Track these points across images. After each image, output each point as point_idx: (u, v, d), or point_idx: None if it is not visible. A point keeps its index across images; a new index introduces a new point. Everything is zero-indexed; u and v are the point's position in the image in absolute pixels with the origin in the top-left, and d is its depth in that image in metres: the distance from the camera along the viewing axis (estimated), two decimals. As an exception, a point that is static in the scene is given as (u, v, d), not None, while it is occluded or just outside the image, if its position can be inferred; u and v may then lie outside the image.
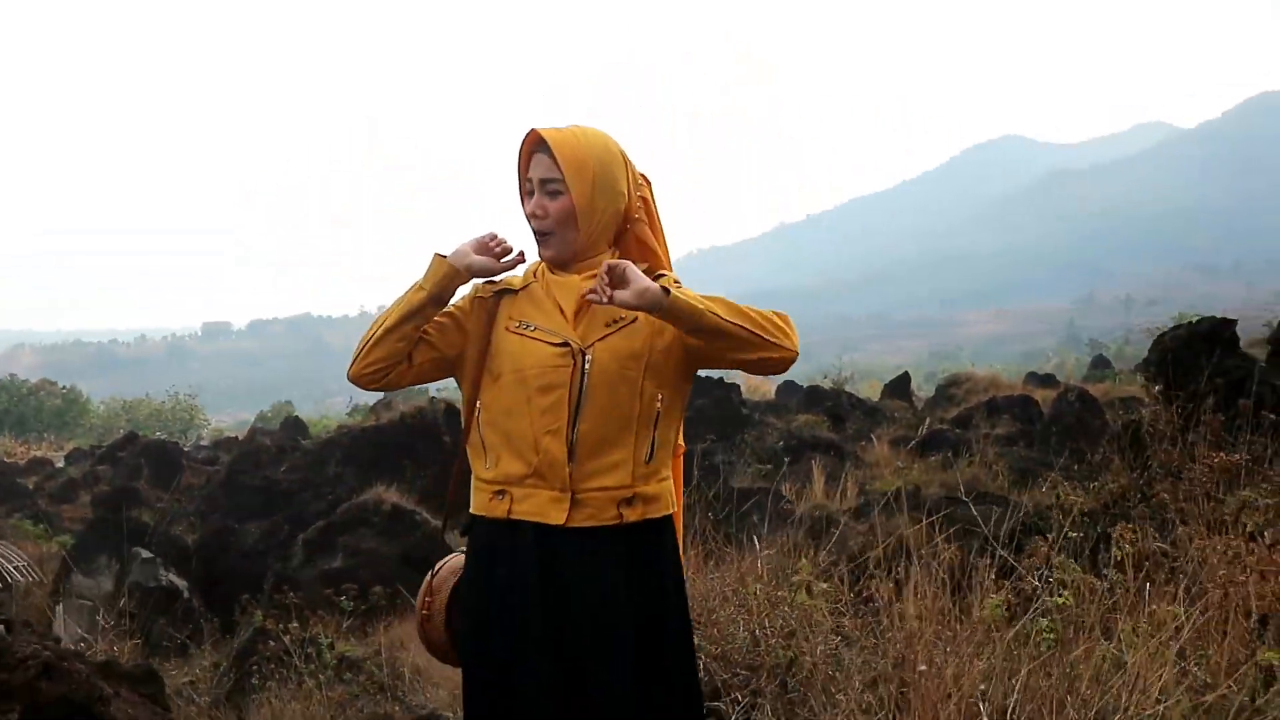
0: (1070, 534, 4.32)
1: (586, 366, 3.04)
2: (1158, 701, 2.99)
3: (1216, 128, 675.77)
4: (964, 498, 7.32)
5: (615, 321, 3.11)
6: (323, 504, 14.13)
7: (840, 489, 14.14)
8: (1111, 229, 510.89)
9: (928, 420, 21.86)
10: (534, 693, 2.97)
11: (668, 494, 3.16)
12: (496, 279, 3.24)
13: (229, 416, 78.73)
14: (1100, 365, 39.45)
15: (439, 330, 3.22)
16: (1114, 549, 4.11)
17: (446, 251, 3.17)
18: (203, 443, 31.28)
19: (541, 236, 3.17)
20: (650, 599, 3.05)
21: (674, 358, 3.11)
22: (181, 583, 11.40)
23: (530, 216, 3.16)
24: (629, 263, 2.94)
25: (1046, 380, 30.19)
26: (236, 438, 27.14)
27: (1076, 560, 4.14)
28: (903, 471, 16.39)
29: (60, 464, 24.09)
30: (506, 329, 3.18)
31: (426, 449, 16.03)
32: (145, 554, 11.41)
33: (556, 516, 3.02)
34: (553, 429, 3.03)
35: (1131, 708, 2.95)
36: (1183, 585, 3.68)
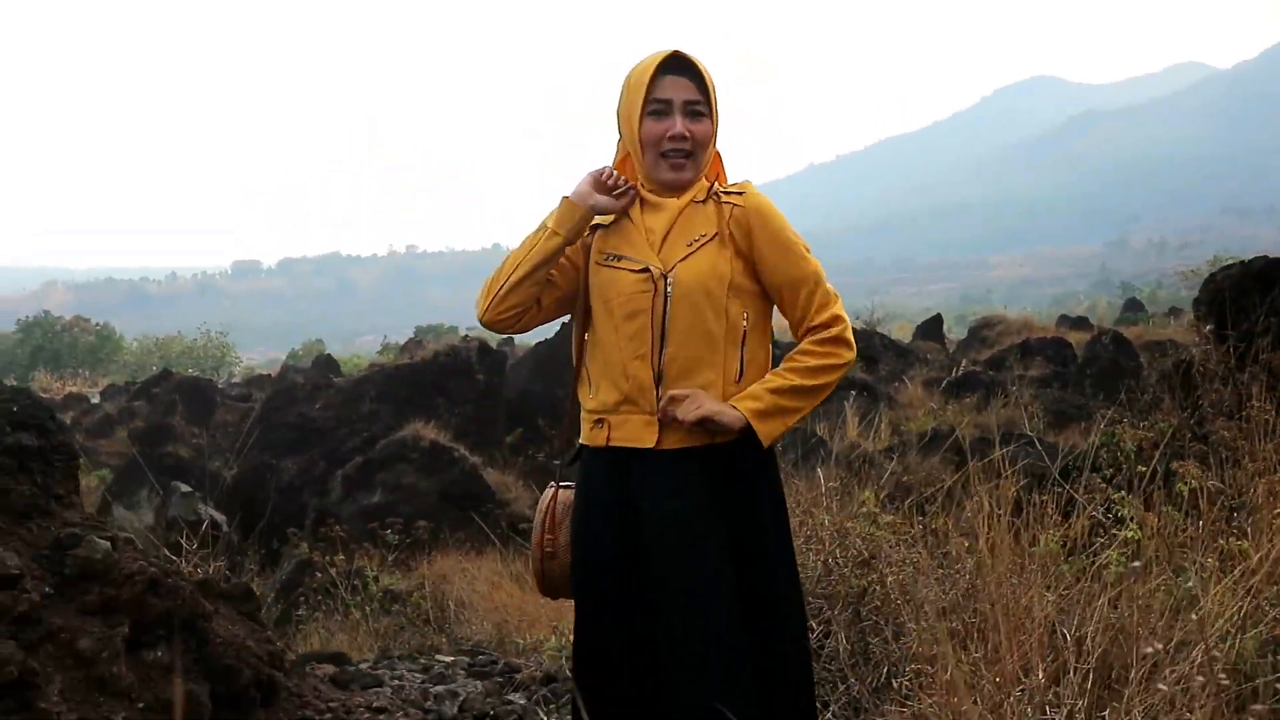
0: (1129, 470, 4.29)
1: (669, 290, 3.04)
2: (1233, 635, 2.98)
3: (1252, 68, 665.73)
4: (1020, 433, 7.24)
5: (696, 240, 3.11)
6: (358, 441, 14.19)
7: (874, 429, 14.12)
8: (1144, 172, 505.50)
9: (962, 362, 21.78)
10: (619, 625, 3.02)
11: None
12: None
13: (259, 355, 79.14)
14: (1133, 309, 39.21)
15: (560, 271, 3.24)
16: (1179, 484, 4.06)
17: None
18: (235, 380, 31.44)
19: (680, 161, 3.13)
20: (746, 523, 3.03)
21: (753, 276, 3.12)
22: (221, 516, 11.50)
23: (671, 138, 3.11)
24: (697, 393, 3.00)
25: (1079, 323, 30.00)
26: (269, 375, 27.27)
27: (1132, 497, 4.10)
28: (937, 412, 16.34)
29: (96, 400, 24.27)
30: (596, 263, 3.19)
31: (460, 387, 16.07)
32: (184, 488, 11.49)
33: (648, 440, 3.03)
34: (639, 354, 3.05)
35: (1207, 640, 2.93)
36: (1249, 522, 3.66)
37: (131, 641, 3.81)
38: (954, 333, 35.19)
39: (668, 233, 3.13)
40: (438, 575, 8.59)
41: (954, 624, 3.55)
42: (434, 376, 16.14)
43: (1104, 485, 4.23)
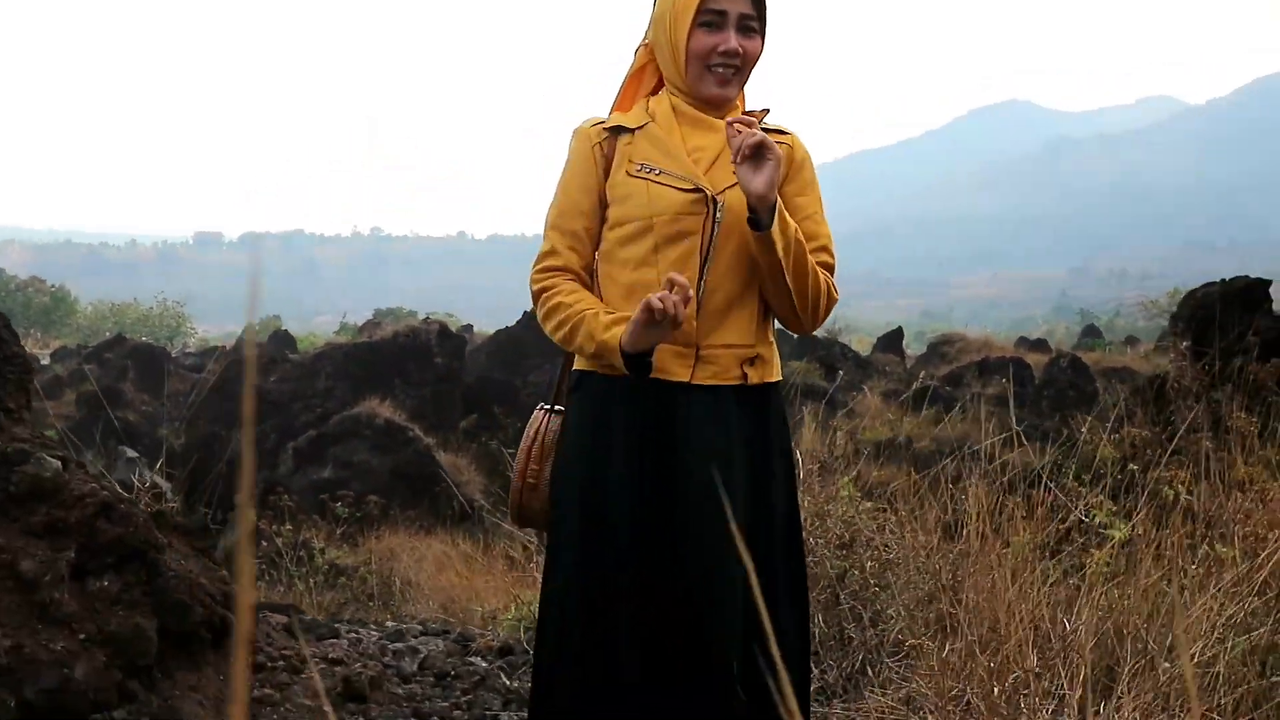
0: (1108, 478, 4.27)
1: (719, 215, 2.83)
2: (1217, 640, 2.95)
3: (1224, 105, 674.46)
4: (975, 448, 7.22)
5: None
6: (312, 416, 14.08)
7: (830, 435, 14.13)
8: (1111, 200, 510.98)
9: (920, 375, 21.87)
10: (633, 554, 2.77)
11: (776, 359, 2.96)
12: (606, 119, 3.00)
13: (215, 328, 78.54)
14: (1091, 335, 39.69)
15: (591, 216, 2.94)
16: (1166, 489, 4.02)
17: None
18: (189, 350, 31.15)
19: (726, 76, 2.91)
20: (760, 473, 2.86)
21: None
22: (166, 484, 11.33)
23: (724, 53, 2.87)
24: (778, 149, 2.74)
25: (1038, 345, 30.33)
26: (224, 347, 27.02)
27: (1109, 502, 4.09)
28: (894, 423, 16.39)
29: (46, 361, 23.96)
30: (629, 173, 2.90)
31: (418, 369, 15.96)
32: (130, 453, 11.31)
33: (681, 373, 2.81)
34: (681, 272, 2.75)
35: (1192, 644, 2.91)
36: (1236, 531, 3.65)
37: (77, 568, 3.61)
38: (913, 348, 35.37)
39: (718, 155, 2.89)
40: (385, 552, 8.51)
41: (933, 613, 3.50)
42: (392, 357, 16.03)
43: (1082, 489, 4.19)
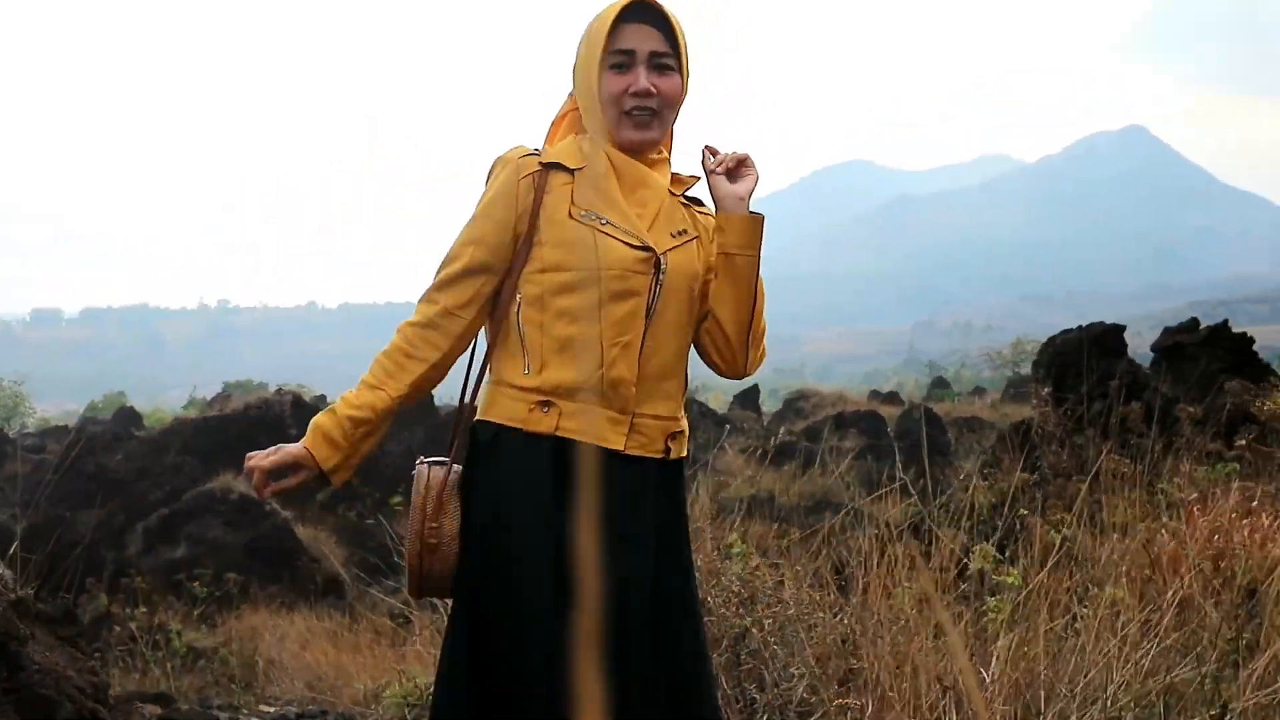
0: (984, 524, 4.33)
1: (662, 278, 2.70)
2: (1123, 685, 2.98)
3: (1056, 163, 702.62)
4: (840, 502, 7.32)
5: (681, 233, 2.78)
6: (162, 493, 13.62)
7: (694, 494, 14.17)
8: (952, 256, 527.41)
9: (780, 431, 22.10)
10: (556, 631, 2.55)
11: (686, 435, 2.83)
12: (540, 151, 2.81)
13: (54, 406, 75.83)
14: (940, 385, 40.66)
15: (495, 253, 2.73)
16: (1053, 535, 4.07)
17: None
18: (28, 430, 29.99)
19: (644, 119, 2.73)
20: (669, 556, 2.72)
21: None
22: (8, 571, 10.83)
23: (635, 94, 2.71)
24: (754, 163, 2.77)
25: (890, 398, 30.94)
26: (66, 427, 26.05)
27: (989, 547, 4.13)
28: (755, 479, 16.51)
29: (-126, 446, 22.83)
30: (571, 215, 2.72)
31: (271, 441, 15.42)
32: (-29, 539, 10.82)
33: (615, 440, 2.64)
34: (623, 341, 2.65)
35: (1098, 689, 2.93)
36: (1122, 572, 3.72)
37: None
38: (768, 405, 35.80)
39: (657, 214, 2.77)
40: (246, 631, 8.23)
41: (834, 670, 3.47)
42: (244, 429, 15.61)
43: (963, 536, 4.22)
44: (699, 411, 24.63)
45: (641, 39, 2.72)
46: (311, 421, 2.74)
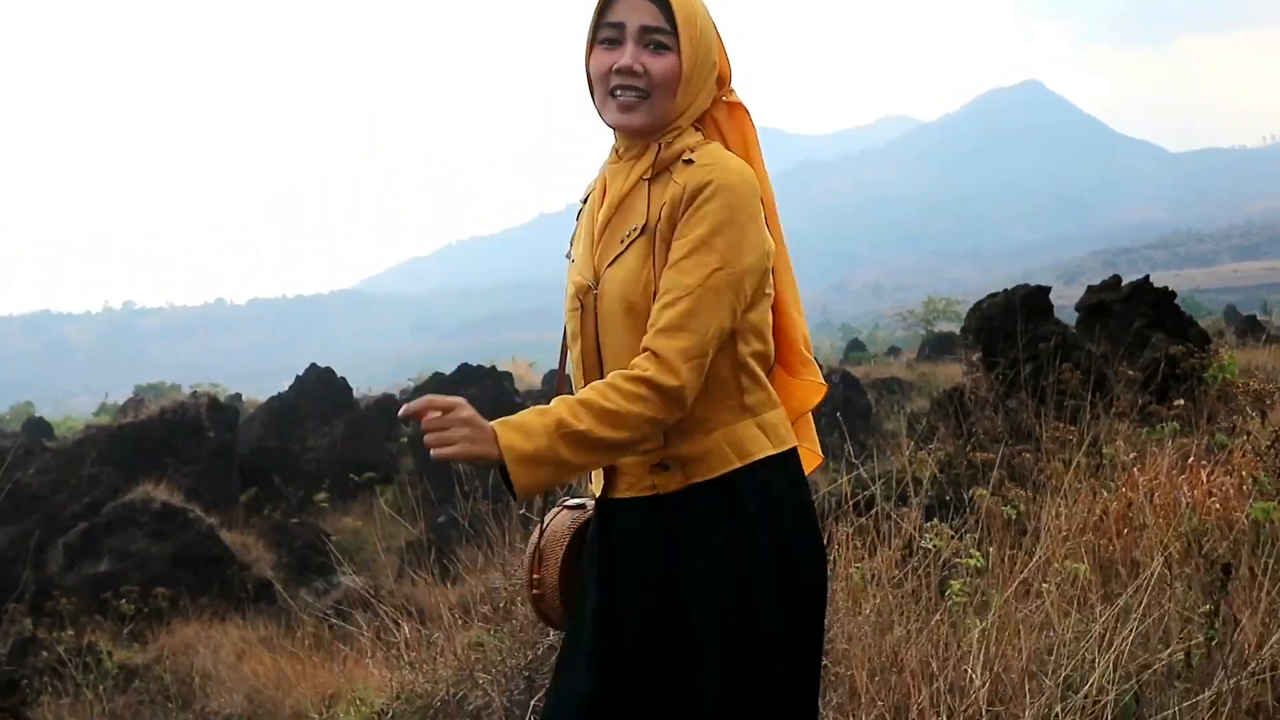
0: (931, 497, 4.31)
1: (598, 308, 2.41)
2: (1103, 673, 2.95)
3: (955, 120, 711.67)
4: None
5: (628, 234, 2.40)
6: (80, 506, 13.31)
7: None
8: (859, 218, 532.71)
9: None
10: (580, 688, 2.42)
11: (724, 447, 2.36)
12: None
13: (-43, 421, 73.78)
14: (856, 349, 41.02)
15: None
16: (1007, 508, 4.03)
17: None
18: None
19: (629, 100, 2.39)
20: (666, 605, 2.39)
21: None
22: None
23: (619, 72, 2.39)
24: (457, 401, 2.16)
25: (809, 363, 31.14)
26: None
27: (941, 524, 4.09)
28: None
29: None
30: (568, 255, 2.57)
31: (190, 445, 15.33)
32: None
33: (595, 487, 2.47)
34: (583, 386, 2.37)
35: (1079, 677, 2.90)
36: (1083, 547, 3.69)
37: None
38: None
39: (609, 222, 2.45)
40: (179, 646, 8.05)
41: None
42: (161, 435, 15.33)
43: (910, 512, 4.15)
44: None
45: (631, 11, 2.39)
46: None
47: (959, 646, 3.16)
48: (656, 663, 2.39)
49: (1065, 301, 11.62)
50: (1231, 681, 2.93)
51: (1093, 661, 2.97)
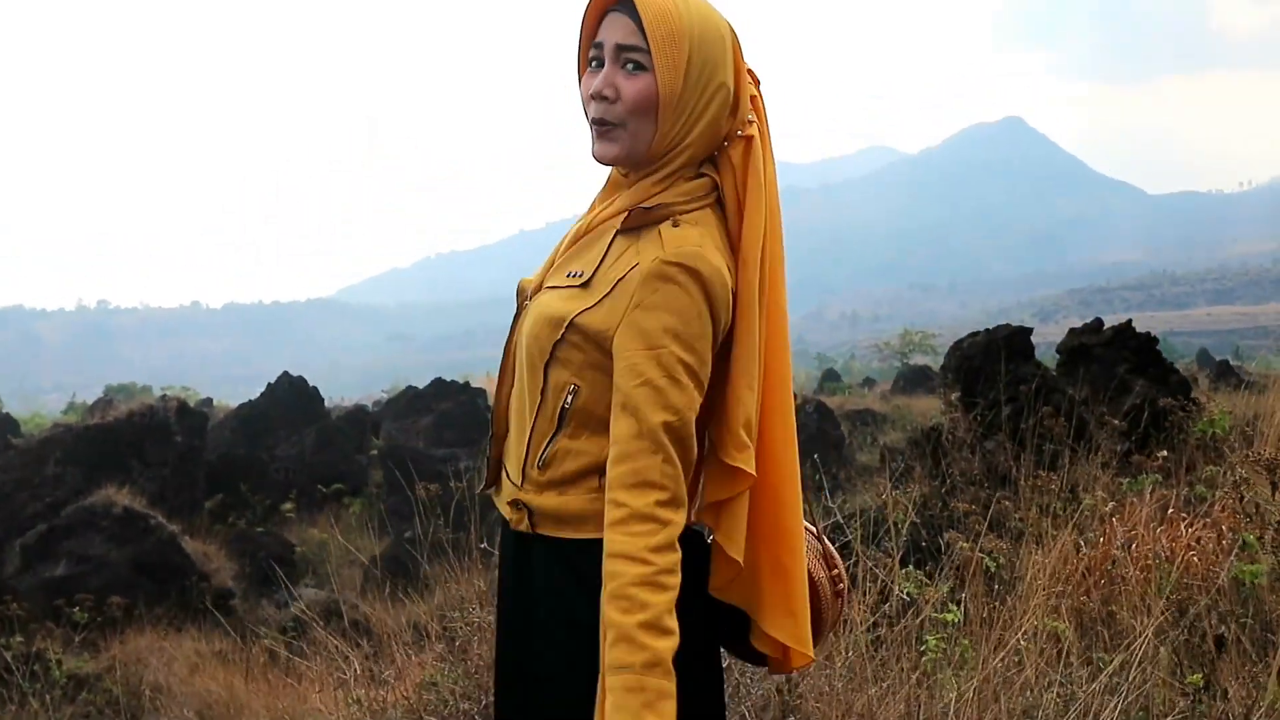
0: (904, 542, 4.22)
1: (523, 317, 2.23)
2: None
3: (936, 154, 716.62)
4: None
5: (573, 275, 2.16)
6: (40, 506, 13.12)
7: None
8: (839, 247, 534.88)
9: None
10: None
11: (579, 514, 2.12)
12: None
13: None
14: (831, 379, 40.99)
15: None
16: (989, 561, 3.94)
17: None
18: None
19: (602, 127, 2.14)
20: (529, 642, 2.22)
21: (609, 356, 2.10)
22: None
23: (592, 98, 2.13)
24: None
25: (783, 391, 31.04)
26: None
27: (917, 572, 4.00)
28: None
29: None
30: None
31: (157, 449, 15.15)
32: None
33: (515, 520, 2.24)
34: (500, 399, 2.31)
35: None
36: (1065, 606, 3.61)
37: None
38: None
39: (570, 247, 2.25)
40: (131, 656, 7.90)
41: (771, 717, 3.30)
42: (128, 437, 15.13)
43: (887, 559, 4.05)
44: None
45: (608, 27, 2.12)
46: None
47: (939, 702, 3.08)
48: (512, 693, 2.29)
49: (1039, 339, 11.65)
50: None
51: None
